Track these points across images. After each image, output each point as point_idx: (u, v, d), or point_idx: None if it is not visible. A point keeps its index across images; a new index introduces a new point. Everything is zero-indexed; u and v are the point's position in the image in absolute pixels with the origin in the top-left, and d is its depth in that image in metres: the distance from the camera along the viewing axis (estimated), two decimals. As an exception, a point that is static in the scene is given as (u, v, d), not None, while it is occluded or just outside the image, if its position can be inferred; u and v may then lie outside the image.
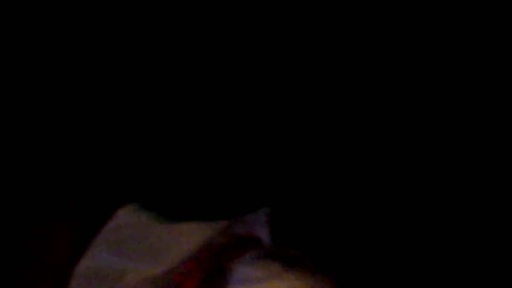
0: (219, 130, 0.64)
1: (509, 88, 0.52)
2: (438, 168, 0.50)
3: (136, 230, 0.80)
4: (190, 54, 0.66)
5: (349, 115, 0.58)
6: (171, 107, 0.72)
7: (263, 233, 0.67)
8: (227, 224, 0.77)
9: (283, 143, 0.61)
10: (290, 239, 0.62)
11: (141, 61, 0.73)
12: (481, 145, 0.49)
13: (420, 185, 0.51)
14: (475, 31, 0.54)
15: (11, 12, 0.76)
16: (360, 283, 0.58)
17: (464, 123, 0.51)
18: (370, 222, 0.57)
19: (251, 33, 0.60)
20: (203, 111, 0.66)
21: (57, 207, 0.86)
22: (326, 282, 0.57)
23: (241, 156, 0.64)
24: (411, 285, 0.52)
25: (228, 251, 0.73)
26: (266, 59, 0.60)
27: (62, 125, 0.82)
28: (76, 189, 0.87)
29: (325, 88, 0.59)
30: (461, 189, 0.48)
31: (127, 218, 0.82)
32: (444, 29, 0.55)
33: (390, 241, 0.55)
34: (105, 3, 0.76)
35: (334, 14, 0.59)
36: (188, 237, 0.77)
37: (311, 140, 0.59)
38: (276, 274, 0.55)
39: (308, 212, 0.65)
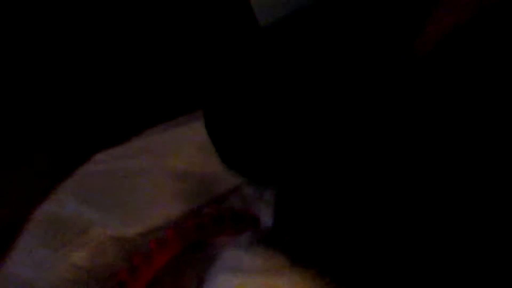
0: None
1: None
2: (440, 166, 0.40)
3: (112, 180, 0.67)
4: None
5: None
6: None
7: (265, 213, 0.54)
8: (222, 193, 0.65)
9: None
10: (294, 229, 0.50)
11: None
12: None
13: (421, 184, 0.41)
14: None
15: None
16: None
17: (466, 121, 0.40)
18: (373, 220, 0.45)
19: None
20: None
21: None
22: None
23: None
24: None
25: (218, 226, 0.61)
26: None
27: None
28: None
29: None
30: (462, 189, 0.40)
31: (104, 165, 0.69)
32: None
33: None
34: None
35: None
36: (173, 199, 0.65)
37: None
38: (278, 269, 0.43)
39: (319, 202, 0.52)
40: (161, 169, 0.66)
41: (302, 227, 0.49)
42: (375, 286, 0.44)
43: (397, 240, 0.43)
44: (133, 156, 0.68)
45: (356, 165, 0.44)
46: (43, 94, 0.88)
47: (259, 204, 0.59)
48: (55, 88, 0.85)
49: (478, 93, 0.40)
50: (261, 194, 0.59)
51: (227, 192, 0.65)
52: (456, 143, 0.40)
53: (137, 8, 0.80)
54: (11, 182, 0.81)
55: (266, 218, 0.56)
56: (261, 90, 0.47)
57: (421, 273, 0.42)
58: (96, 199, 0.66)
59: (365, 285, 0.44)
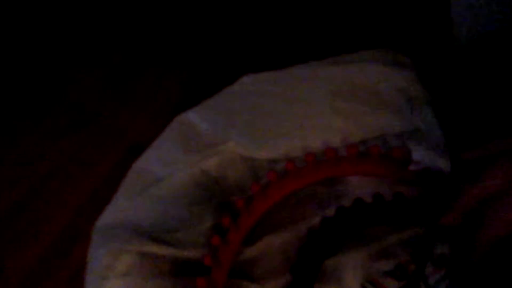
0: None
1: None
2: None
3: (256, 102, 0.66)
4: None
5: None
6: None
7: (442, 162, 0.47)
8: (367, 137, 0.61)
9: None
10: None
11: None
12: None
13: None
14: None
15: None
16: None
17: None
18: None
19: None
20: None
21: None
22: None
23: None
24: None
25: (358, 164, 0.56)
26: None
27: None
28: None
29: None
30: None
31: (251, 87, 0.68)
32: None
33: None
34: None
35: None
36: (315, 132, 0.61)
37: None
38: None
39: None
40: (311, 101, 0.63)
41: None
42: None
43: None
44: (282, 82, 0.66)
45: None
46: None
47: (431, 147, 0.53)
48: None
49: None
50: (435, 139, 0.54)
51: (373, 138, 0.61)
52: None
53: None
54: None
55: (444, 166, 0.50)
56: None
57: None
58: (235, 118, 0.65)
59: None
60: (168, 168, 0.61)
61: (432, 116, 0.62)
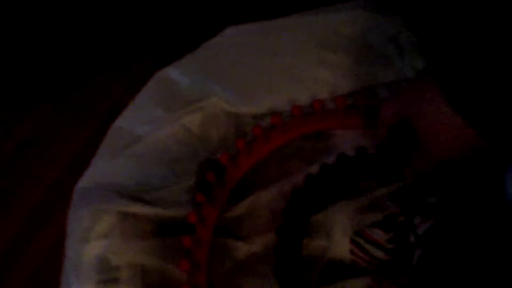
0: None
1: None
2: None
3: (239, 55, 0.63)
4: None
5: None
6: None
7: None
8: (353, 90, 0.58)
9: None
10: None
11: None
12: None
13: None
14: None
15: None
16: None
17: None
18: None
19: None
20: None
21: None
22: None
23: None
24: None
25: (346, 116, 0.54)
26: None
27: None
28: None
29: None
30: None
31: (234, 39, 0.65)
32: None
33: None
34: None
35: None
36: (302, 85, 0.59)
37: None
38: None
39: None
40: (297, 52, 0.60)
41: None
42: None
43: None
44: (267, 34, 0.63)
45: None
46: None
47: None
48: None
49: None
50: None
51: (362, 89, 0.58)
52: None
53: None
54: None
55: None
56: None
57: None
58: (218, 73, 0.62)
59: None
60: (148, 127, 0.59)
61: (423, 64, 0.59)
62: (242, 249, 0.50)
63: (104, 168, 0.58)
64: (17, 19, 0.87)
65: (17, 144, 0.71)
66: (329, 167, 0.52)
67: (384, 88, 0.59)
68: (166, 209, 0.52)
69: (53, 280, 0.51)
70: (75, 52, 0.82)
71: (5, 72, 0.81)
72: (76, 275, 0.48)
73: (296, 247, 0.48)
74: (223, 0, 0.83)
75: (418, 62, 0.59)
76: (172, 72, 0.63)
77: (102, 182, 0.56)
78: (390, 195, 0.50)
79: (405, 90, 0.46)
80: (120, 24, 0.85)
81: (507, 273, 0.42)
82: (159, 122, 0.58)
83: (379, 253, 0.48)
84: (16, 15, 0.88)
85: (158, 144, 0.57)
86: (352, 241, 0.48)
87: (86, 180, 0.58)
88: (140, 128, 0.59)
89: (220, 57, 0.63)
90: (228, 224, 0.53)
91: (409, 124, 0.45)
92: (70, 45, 0.83)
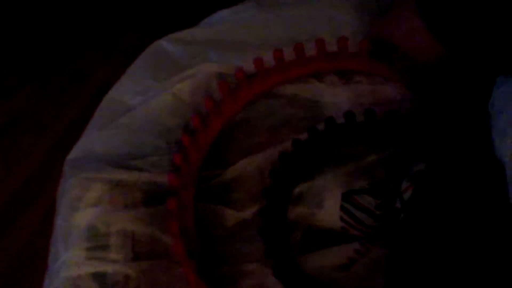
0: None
1: None
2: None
3: (231, 27, 0.62)
4: None
5: None
6: None
7: None
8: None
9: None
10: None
11: None
12: None
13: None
14: None
15: None
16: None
17: None
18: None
19: None
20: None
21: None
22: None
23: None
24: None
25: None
26: None
27: None
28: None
29: None
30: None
31: (231, 17, 0.64)
32: None
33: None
34: None
35: None
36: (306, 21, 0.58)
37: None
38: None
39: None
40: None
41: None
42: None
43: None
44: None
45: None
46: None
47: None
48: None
49: None
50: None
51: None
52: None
53: None
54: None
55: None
56: None
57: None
58: (211, 40, 0.61)
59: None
60: (139, 96, 0.58)
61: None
62: (231, 216, 0.50)
63: (95, 138, 0.57)
64: None
65: (5, 122, 0.71)
66: (317, 131, 0.51)
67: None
68: (157, 175, 0.52)
69: (44, 251, 0.50)
70: (65, 27, 0.81)
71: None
72: (66, 242, 0.48)
73: (282, 209, 0.48)
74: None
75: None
76: (166, 43, 0.62)
77: (93, 152, 0.56)
78: (380, 161, 0.49)
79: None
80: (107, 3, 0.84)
81: (487, 238, 0.42)
82: (150, 92, 0.58)
83: (368, 219, 0.47)
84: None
85: (149, 114, 0.56)
86: (342, 208, 0.48)
87: (77, 151, 0.57)
88: (132, 98, 0.59)
89: (215, 30, 0.63)
90: (218, 191, 0.52)
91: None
92: (58, 23, 0.82)
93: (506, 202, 0.39)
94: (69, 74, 0.75)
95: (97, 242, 0.47)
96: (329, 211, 0.49)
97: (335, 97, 0.56)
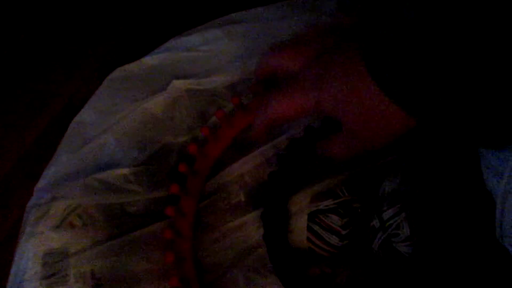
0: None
1: None
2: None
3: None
4: None
5: None
6: None
7: None
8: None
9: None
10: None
11: None
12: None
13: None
14: None
15: None
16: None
17: None
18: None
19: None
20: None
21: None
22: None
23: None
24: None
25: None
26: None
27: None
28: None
29: None
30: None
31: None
32: None
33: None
34: None
35: None
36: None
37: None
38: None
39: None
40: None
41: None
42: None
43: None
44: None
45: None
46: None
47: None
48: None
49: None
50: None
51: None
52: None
53: None
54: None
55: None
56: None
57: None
58: (179, 61, 0.60)
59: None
60: (111, 118, 0.57)
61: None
62: (228, 218, 0.50)
63: (67, 161, 0.56)
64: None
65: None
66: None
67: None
68: (129, 194, 0.51)
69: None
70: (30, 44, 0.79)
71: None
72: (23, 270, 0.46)
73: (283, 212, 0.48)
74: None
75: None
76: (130, 68, 0.61)
77: (68, 174, 0.54)
78: (344, 182, 0.48)
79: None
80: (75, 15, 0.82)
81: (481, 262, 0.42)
82: (123, 112, 0.57)
83: (333, 239, 0.46)
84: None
85: (125, 131, 0.55)
86: (309, 229, 0.47)
87: (48, 176, 0.56)
88: (104, 120, 0.57)
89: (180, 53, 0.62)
90: (213, 192, 0.52)
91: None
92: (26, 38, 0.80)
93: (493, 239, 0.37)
94: (34, 92, 0.73)
95: (55, 270, 0.46)
96: (296, 232, 0.47)
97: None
